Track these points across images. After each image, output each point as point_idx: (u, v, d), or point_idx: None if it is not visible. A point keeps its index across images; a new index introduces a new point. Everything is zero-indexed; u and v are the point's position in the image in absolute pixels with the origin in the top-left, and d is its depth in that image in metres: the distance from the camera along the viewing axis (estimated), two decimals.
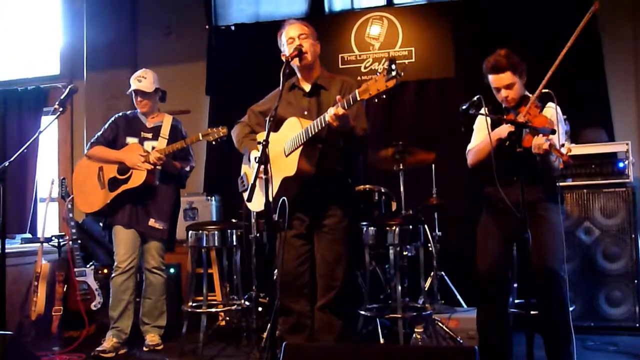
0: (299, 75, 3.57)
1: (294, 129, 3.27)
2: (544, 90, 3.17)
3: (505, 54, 3.39)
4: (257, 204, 3.40)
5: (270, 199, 2.93)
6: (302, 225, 3.50)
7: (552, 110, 3.27)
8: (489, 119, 3.25)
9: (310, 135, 3.16)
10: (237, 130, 3.74)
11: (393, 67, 2.77)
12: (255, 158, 2.92)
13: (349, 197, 3.61)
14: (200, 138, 4.33)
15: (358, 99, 2.94)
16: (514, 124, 3.11)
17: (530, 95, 3.27)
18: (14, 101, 7.17)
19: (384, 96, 2.89)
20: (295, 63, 3.43)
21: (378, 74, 2.84)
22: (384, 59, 5.90)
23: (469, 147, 3.65)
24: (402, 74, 2.81)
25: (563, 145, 2.95)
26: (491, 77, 3.42)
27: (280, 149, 3.34)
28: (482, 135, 3.58)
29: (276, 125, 3.29)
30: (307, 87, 3.53)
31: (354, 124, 3.30)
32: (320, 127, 3.13)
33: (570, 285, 3.27)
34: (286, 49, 3.47)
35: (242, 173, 3.69)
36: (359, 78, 5.82)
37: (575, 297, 4.50)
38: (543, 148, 2.93)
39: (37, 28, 7.58)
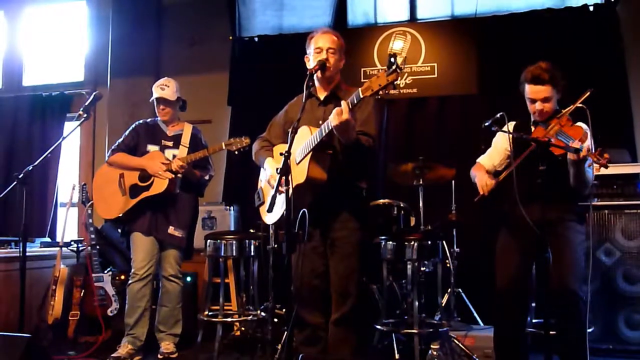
0: (316, 83, 3.54)
1: (304, 137, 3.24)
2: (578, 105, 3.15)
3: (548, 67, 3.32)
4: (271, 216, 3.40)
5: (283, 210, 2.92)
6: (316, 238, 3.46)
7: (585, 126, 3.24)
8: (511, 136, 3.24)
9: (318, 140, 3.13)
10: (256, 145, 3.75)
11: (393, 60, 2.78)
12: (277, 169, 2.91)
13: (362, 209, 3.54)
14: (223, 147, 4.36)
15: (361, 95, 2.93)
16: (537, 142, 3.10)
17: (563, 110, 3.26)
18: (38, 107, 7.22)
19: (387, 91, 2.86)
20: (317, 75, 3.43)
21: (380, 70, 2.85)
22: (406, 74, 5.90)
23: (480, 159, 3.65)
24: (403, 67, 2.82)
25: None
26: (529, 88, 3.35)
27: (292, 158, 3.32)
28: (494, 153, 3.62)
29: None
30: (322, 95, 3.51)
31: (364, 129, 3.28)
32: (326, 131, 3.09)
33: (590, 306, 3.22)
34: (311, 58, 3.45)
35: (258, 188, 3.68)
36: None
37: (595, 319, 4.44)
38: (581, 154, 2.91)
39: (63, 35, 7.67)
